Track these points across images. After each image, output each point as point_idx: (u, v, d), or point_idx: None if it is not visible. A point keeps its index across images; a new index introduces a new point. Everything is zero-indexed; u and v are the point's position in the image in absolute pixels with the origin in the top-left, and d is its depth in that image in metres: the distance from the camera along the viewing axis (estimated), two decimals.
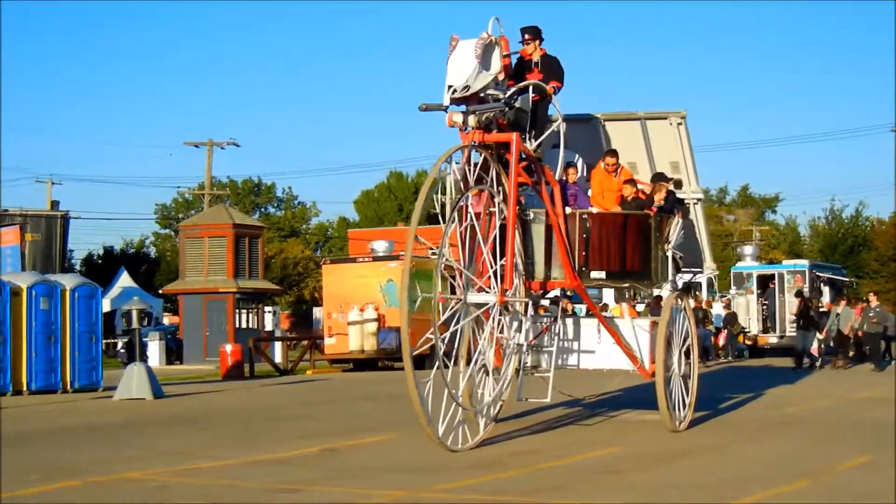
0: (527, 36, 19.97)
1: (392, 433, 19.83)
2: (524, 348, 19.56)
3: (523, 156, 18.94)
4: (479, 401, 18.74)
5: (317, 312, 69.62)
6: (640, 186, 20.98)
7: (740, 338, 48.08)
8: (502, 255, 18.35)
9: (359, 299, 44.28)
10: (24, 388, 29.46)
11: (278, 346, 50.28)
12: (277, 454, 17.24)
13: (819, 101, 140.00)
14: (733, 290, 51.14)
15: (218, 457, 17.11)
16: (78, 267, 79.59)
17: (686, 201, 22.19)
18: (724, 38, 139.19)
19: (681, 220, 20.90)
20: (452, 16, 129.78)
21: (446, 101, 17.99)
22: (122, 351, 50.20)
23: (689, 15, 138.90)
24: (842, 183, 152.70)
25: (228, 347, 40.76)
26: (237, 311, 53.32)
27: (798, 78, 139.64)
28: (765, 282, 50.80)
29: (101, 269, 77.34)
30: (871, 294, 42.12)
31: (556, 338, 20.10)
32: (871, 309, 39.71)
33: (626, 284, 20.64)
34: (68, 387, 30.34)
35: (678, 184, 21.96)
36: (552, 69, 19.72)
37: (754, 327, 49.74)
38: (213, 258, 53.06)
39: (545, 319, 20.78)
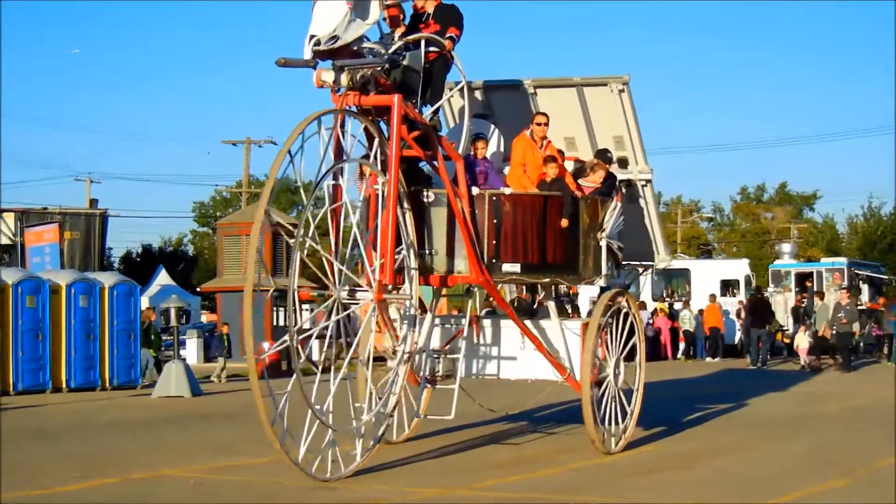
0: None
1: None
2: (424, 356, 17.01)
3: (418, 125, 15.83)
4: (356, 418, 15.26)
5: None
6: (571, 165, 17.90)
7: (779, 336, 44.51)
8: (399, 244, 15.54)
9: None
10: (64, 386, 29.17)
11: (316, 343, 47.62)
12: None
13: (858, 97, 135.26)
14: (771, 288, 47.54)
15: (257, 453, 16.42)
16: (116, 265, 77.84)
17: (633, 182, 18.99)
18: (761, 34, 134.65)
19: (619, 205, 17.82)
20: None
21: (307, 55, 14.71)
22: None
23: (731, 7, 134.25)
24: (880, 180, 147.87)
25: (266, 345, 37.95)
26: (275, 308, 50.99)
27: (837, 74, 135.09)
28: (802, 280, 47.81)
29: (140, 266, 75.54)
30: (843, 291, 39.56)
31: (465, 343, 17.12)
32: (841, 308, 36.91)
33: (547, 279, 17.25)
34: (107, 384, 30.06)
35: (623, 162, 18.83)
36: (449, 17, 16.45)
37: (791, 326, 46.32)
38: (237, 256, 50.89)
39: (461, 321, 17.63)
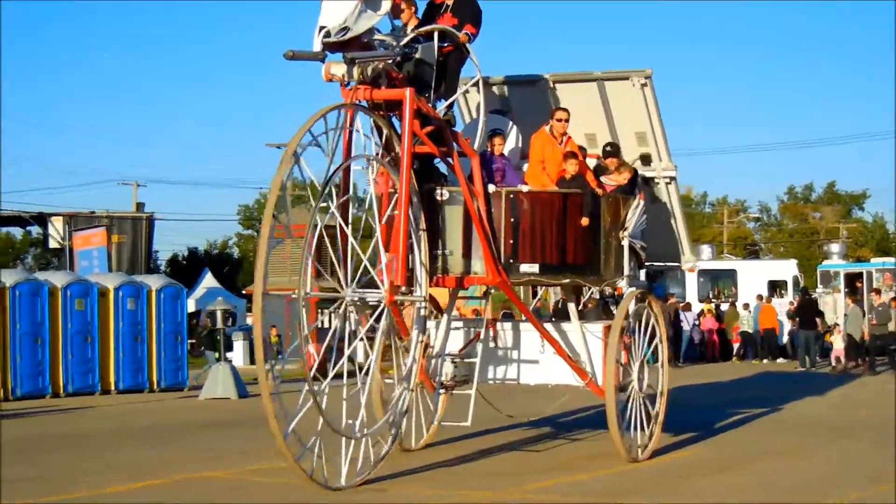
0: None
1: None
2: (440, 360, 16.29)
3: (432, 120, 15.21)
4: (364, 425, 14.54)
5: None
6: (592, 162, 17.32)
7: (826, 337, 44.07)
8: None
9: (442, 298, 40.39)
10: (112, 388, 29.28)
11: (360, 345, 47.45)
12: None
13: None
14: (820, 289, 46.94)
15: None
16: (163, 268, 78.49)
17: (656, 180, 18.31)
18: (810, 30, 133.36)
19: (642, 203, 17.10)
20: None
21: (317, 46, 14.17)
22: (207, 351, 48.92)
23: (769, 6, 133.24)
24: None
25: (312, 347, 37.83)
26: (320, 311, 50.90)
27: (885, 71, 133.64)
28: (852, 280, 46.57)
29: (186, 269, 75.93)
30: (874, 293, 38.98)
31: (482, 347, 16.51)
32: (873, 309, 36.57)
33: (567, 280, 16.52)
34: (155, 386, 30.18)
35: (646, 159, 18.11)
36: (467, 12, 15.80)
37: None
38: (294, 258, 50.71)
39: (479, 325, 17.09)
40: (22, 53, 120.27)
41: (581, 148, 17.09)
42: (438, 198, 15.71)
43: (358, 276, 14.27)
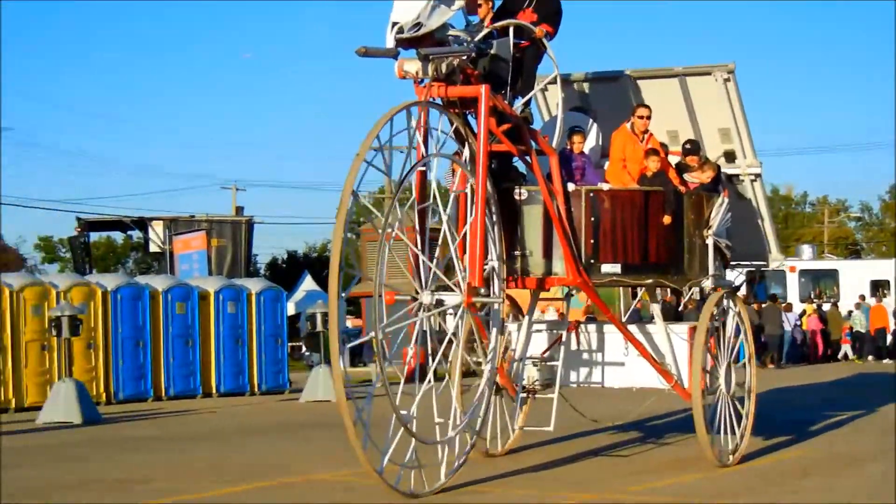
0: None
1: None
2: (522, 364, 15.77)
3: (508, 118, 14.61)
4: (444, 432, 14.08)
5: None
6: (675, 160, 16.67)
7: None
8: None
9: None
10: (214, 391, 29.63)
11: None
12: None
13: None
14: None
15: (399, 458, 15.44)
16: (262, 271, 78.44)
17: (740, 178, 17.60)
18: None
19: (727, 201, 16.36)
20: None
21: (390, 43, 13.59)
22: (308, 354, 49.24)
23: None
24: None
25: (410, 350, 37.73)
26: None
27: None
28: None
29: (285, 272, 75.56)
30: None
31: (563, 350, 16.01)
32: None
33: (649, 281, 15.94)
34: (255, 389, 30.42)
35: (730, 156, 17.42)
36: (546, 10, 15.20)
37: None
38: (394, 261, 50.32)
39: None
40: (122, 57, 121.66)
41: (663, 145, 16.46)
42: (517, 197, 15.13)
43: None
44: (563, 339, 16.11)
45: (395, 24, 13.51)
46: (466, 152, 14.07)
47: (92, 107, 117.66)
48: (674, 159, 16.56)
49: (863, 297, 42.54)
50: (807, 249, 47.88)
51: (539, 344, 16.43)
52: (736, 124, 17.04)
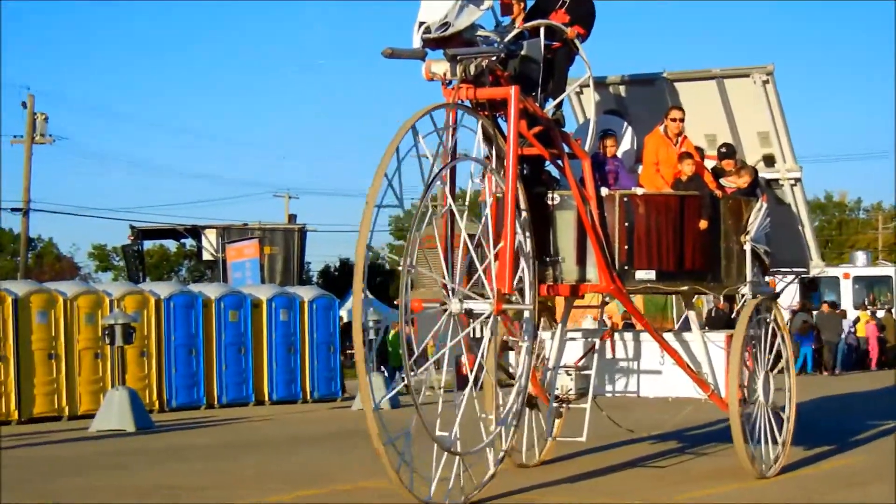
0: None
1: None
2: (555, 372, 15.47)
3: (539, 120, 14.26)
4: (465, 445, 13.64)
5: None
6: (712, 164, 16.35)
7: None
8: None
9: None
10: (266, 398, 29.42)
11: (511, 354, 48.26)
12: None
13: None
14: None
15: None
16: (315, 279, 78.53)
17: (780, 182, 17.21)
18: None
19: (765, 206, 16.02)
20: None
21: (417, 43, 13.21)
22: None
23: None
24: None
25: (464, 357, 38.02)
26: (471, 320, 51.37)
27: None
28: None
29: (338, 280, 75.73)
30: None
31: (597, 358, 15.71)
32: None
33: (685, 287, 15.65)
34: (308, 397, 30.19)
35: (770, 160, 17.03)
36: (580, 11, 14.85)
37: None
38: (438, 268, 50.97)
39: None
40: (178, 68, 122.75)
41: (699, 149, 16.09)
42: (549, 202, 14.78)
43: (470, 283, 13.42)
44: (597, 347, 15.74)
45: (422, 23, 13.09)
46: (495, 156, 13.75)
47: (147, 116, 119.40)
48: (710, 163, 16.22)
49: None
50: (861, 256, 47.14)
51: (573, 353, 16.08)
52: (775, 127, 16.64)
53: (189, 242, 56.84)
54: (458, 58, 13.12)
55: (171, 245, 76.12)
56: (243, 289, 31.38)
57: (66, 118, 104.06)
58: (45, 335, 25.17)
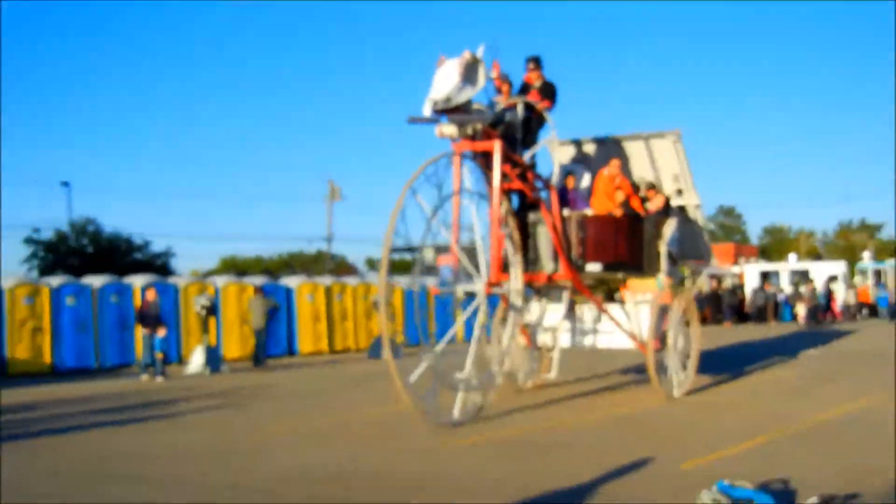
0: (531, 65, 18.25)
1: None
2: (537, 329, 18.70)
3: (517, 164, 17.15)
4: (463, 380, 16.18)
5: None
6: (641, 195, 19.39)
7: None
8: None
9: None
10: None
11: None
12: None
13: None
14: None
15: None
16: None
17: (687, 206, 20.20)
18: None
19: (675, 221, 19.05)
20: None
21: (427, 112, 15.74)
22: None
23: None
24: None
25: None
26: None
27: None
28: None
29: None
30: None
31: (562, 321, 19.02)
32: None
33: (620, 275, 18.59)
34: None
35: (679, 192, 19.99)
36: (548, 93, 17.95)
37: None
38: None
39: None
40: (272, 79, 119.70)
41: (634, 184, 18.92)
42: (528, 220, 17.67)
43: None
44: (566, 314, 18.88)
45: (431, 99, 15.67)
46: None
47: None
48: (642, 194, 19.27)
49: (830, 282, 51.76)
50: (792, 257, 58.88)
51: (553, 317, 19.10)
52: (682, 171, 19.43)
53: None
54: (460, 122, 15.72)
55: None
56: None
57: None
58: None
